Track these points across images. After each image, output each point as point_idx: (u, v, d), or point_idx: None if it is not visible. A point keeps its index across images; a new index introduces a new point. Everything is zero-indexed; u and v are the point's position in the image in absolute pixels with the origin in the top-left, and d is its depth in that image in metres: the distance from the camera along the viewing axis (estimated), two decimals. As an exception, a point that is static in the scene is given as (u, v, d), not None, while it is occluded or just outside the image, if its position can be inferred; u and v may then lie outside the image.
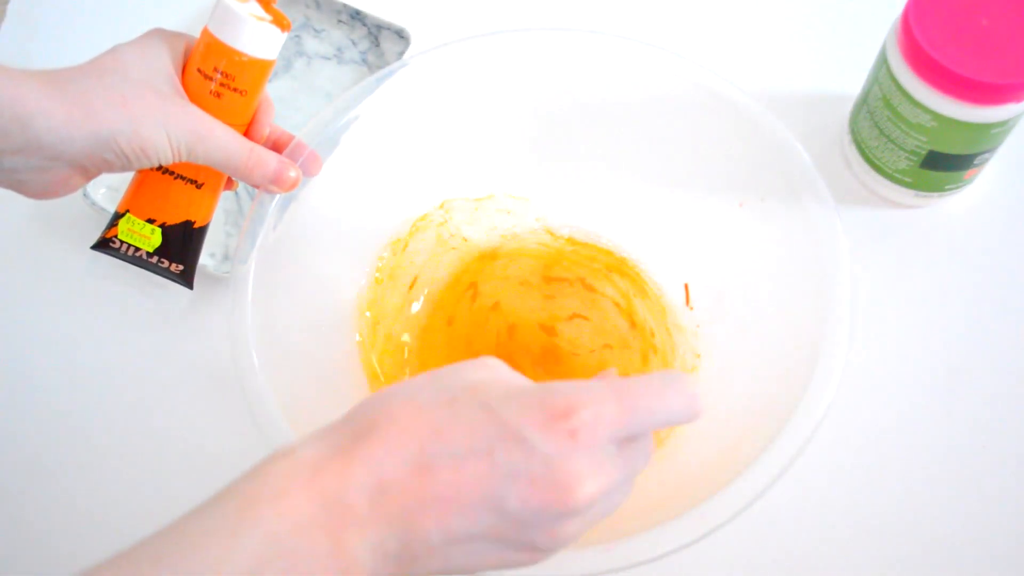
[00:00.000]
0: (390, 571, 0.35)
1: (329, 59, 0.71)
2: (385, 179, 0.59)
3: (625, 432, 0.36)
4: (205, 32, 0.49)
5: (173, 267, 0.52)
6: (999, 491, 0.57)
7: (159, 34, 0.49)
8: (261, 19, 0.48)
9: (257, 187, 0.51)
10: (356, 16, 0.70)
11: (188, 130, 0.47)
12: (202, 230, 0.53)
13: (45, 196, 0.49)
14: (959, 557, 0.56)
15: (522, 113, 0.60)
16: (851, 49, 0.66)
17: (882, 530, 0.56)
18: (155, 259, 0.52)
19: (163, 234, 0.52)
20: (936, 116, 0.57)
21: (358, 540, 0.34)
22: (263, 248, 0.51)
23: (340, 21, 0.71)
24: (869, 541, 0.56)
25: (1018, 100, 0.55)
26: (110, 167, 0.47)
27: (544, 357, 0.59)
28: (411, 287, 0.61)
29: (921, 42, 0.55)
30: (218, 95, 0.49)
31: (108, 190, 0.65)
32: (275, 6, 0.49)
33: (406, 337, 0.60)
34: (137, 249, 0.52)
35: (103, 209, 0.63)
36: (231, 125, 0.49)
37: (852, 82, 0.64)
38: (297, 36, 0.71)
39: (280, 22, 0.49)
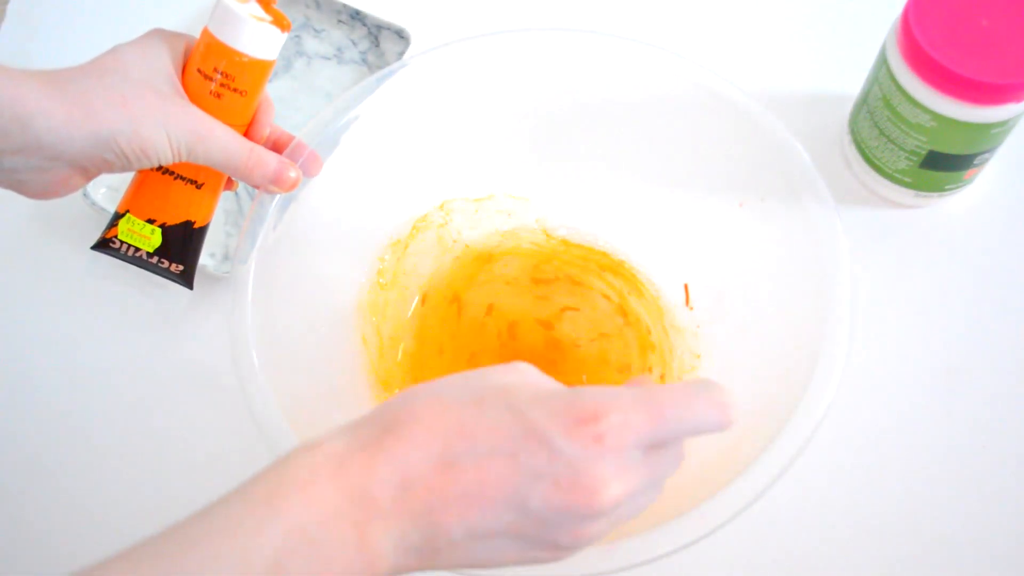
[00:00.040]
0: (412, 564, 0.35)
1: (329, 59, 0.71)
2: (385, 179, 0.59)
3: (652, 439, 0.36)
4: (205, 32, 0.49)
5: (173, 267, 0.52)
6: (999, 491, 0.57)
7: (159, 34, 0.49)
8: (261, 19, 0.48)
9: (257, 187, 0.51)
10: (356, 16, 0.70)
11: (188, 130, 0.47)
12: (202, 230, 0.53)
13: (45, 196, 0.49)
14: (959, 557, 0.56)
15: (522, 113, 0.60)
16: (851, 49, 0.66)
17: (882, 530, 0.56)
18: (155, 259, 0.52)
19: (163, 234, 0.52)
20: (936, 116, 0.57)
21: (382, 533, 0.34)
22: (263, 248, 0.51)
23: (340, 21, 0.71)
24: (869, 541, 0.56)
25: (1018, 100, 0.55)
26: (110, 167, 0.47)
27: (548, 350, 0.59)
28: (411, 289, 0.61)
29: (921, 42, 0.55)
30: (218, 95, 0.49)
31: (108, 190, 0.65)
32: (275, 6, 0.49)
33: (406, 338, 0.60)
34: (137, 249, 0.52)
35: (103, 209, 0.63)
36: (231, 125, 0.49)
37: (852, 82, 0.64)
38: (297, 36, 0.71)
39: (280, 22, 0.49)
